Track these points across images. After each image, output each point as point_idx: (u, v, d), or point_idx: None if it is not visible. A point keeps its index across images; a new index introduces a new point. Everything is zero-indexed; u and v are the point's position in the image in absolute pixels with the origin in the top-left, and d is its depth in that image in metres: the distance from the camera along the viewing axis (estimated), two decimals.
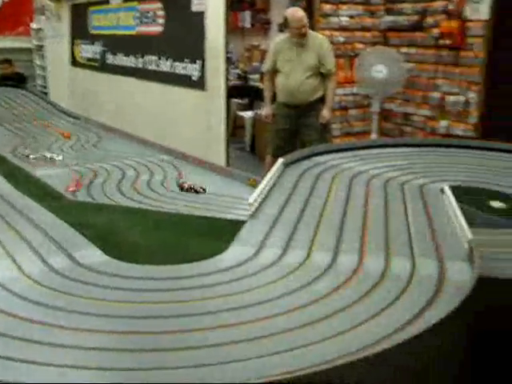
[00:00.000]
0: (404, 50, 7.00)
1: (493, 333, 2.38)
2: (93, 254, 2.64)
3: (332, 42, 7.06)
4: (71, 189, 4.41)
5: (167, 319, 2.05)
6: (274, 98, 5.45)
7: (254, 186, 3.71)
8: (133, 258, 2.58)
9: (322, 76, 5.22)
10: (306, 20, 5.16)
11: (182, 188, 3.70)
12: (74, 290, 2.27)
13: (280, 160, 3.88)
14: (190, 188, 3.66)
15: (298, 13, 5.21)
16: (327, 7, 7.14)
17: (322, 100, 5.22)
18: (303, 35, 5.19)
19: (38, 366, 1.75)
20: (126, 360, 1.80)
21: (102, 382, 1.69)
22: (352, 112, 7.25)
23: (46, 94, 9.39)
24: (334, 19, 7.18)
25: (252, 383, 1.55)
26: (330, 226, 2.89)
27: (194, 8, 5.80)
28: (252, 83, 8.78)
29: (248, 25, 10.66)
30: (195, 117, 5.21)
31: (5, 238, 2.86)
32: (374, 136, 6.64)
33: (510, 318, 2.24)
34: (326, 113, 5.12)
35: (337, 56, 7.18)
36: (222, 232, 2.90)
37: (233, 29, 7.75)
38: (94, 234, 2.88)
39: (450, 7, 6.40)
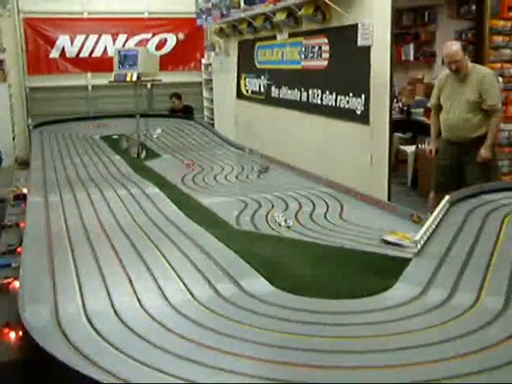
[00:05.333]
0: None
1: None
2: (259, 283, 2.71)
3: (503, 75, 6.81)
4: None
5: (330, 354, 2.05)
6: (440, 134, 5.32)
7: (417, 222, 3.63)
8: (297, 290, 2.61)
9: (487, 112, 5.00)
10: (459, 55, 4.97)
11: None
12: (240, 318, 2.33)
13: (446, 197, 3.77)
14: None
15: (450, 47, 5.05)
16: (498, 39, 6.90)
17: (485, 137, 5.01)
18: (457, 71, 5.03)
19: None
20: None
21: None
22: None
23: (212, 125, 9.84)
24: (505, 51, 6.93)
25: None
26: (500, 268, 2.75)
27: (360, 42, 5.83)
28: (415, 117, 8.63)
29: (411, 58, 10.54)
30: (358, 151, 5.22)
31: (175, 261, 3.03)
32: None
33: None
34: (483, 151, 4.91)
35: (508, 90, 6.89)
36: (387, 268, 2.86)
37: (396, 62, 7.71)
38: (258, 263, 2.96)
39: None
